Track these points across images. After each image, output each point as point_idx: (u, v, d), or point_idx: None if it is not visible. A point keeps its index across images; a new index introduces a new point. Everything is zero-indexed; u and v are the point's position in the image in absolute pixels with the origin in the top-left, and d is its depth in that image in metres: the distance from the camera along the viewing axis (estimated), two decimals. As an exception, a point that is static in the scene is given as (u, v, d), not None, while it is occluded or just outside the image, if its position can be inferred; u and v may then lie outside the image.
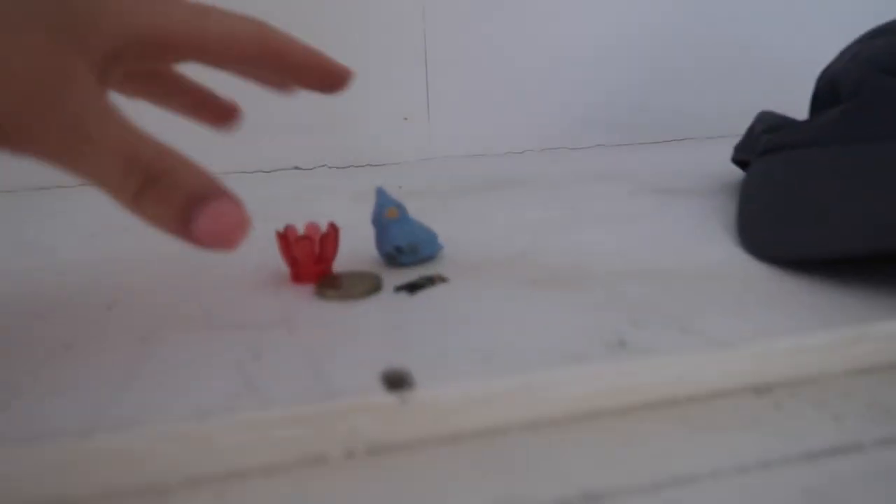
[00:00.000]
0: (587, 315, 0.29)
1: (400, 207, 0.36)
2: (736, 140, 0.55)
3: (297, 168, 0.69)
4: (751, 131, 0.50)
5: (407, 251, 0.35)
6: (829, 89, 0.44)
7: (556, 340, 0.27)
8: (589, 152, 0.74)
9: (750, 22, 0.78)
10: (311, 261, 0.35)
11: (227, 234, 0.23)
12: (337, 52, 0.32)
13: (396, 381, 0.24)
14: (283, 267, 0.36)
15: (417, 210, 0.37)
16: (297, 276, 0.35)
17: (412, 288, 0.33)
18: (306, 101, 0.68)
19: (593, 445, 0.23)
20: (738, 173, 0.56)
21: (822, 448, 0.23)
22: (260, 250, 0.39)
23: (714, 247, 0.38)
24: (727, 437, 0.24)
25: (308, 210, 0.51)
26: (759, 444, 0.23)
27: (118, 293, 0.34)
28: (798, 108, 0.55)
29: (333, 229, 0.35)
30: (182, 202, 0.22)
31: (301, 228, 0.36)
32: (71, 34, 0.22)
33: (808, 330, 0.27)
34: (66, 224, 0.49)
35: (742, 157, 0.50)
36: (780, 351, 0.26)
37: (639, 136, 0.78)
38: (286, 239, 0.35)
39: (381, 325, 0.29)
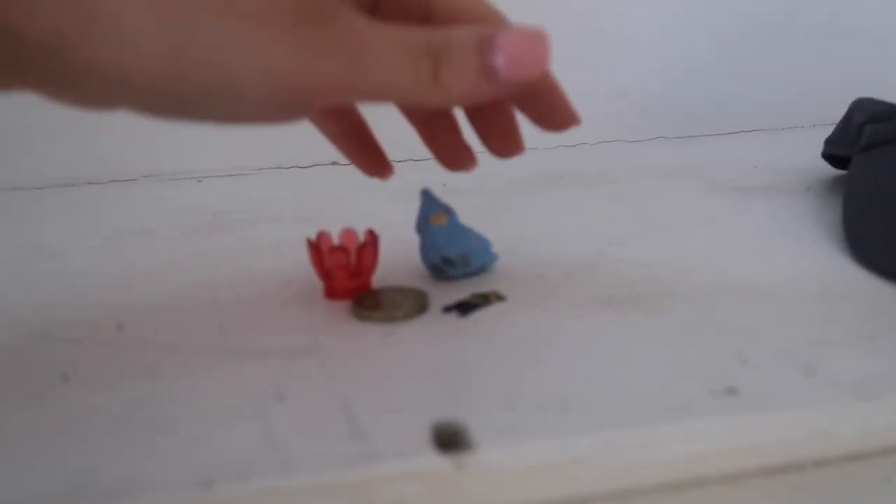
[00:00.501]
0: (683, 348, 0.24)
1: (448, 212, 0.31)
2: (821, 131, 0.48)
3: (335, 163, 0.65)
4: (847, 122, 0.44)
5: (457, 263, 0.30)
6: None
7: (649, 384, 0.22)
8: (649, 145, 0.68)
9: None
10: (346, 275, 0.30)
11: (532, 55, 0.21)
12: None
13: (450, 440, 0.19)
14: (316, 279, 0.32)
15: (464, 210, 0.32)
16: (332, 291, 0.30)
17: (464, 308, 0.28)
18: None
19: (699, 523, 0.18)
20: (826, 169, 0.50)
21: None
22: (292, 260, 0.34)
23: (820, 258, 0.33)
24: (873, 516, 0.18)
25: (346, 211, 0.47)
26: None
27: (130, 310, 0.30)
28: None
29: (372, 238, 0.31)
30: (476, 57, 0.21)
31: (335, 235, 0.32)
32: None
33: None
34: (77, 226, 0.45)
35: (837, 151, 0.44)
36: (938, 404, 0.21)
37: (705, 128, 0.72)
38: (318, 249, 0.30)
39: (428, 358, 0.24)
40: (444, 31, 0.21)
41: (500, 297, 0.29)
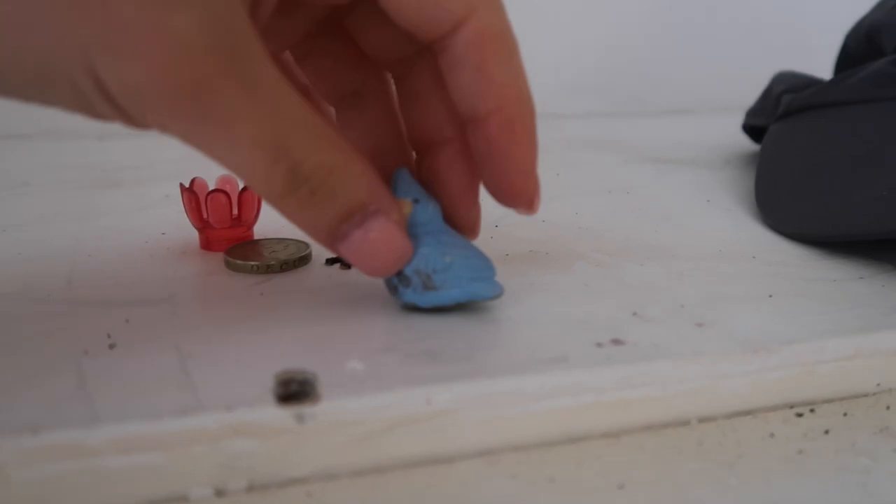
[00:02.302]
0: (573, 304, 0.22)
1: (420, 203, 0.20)
2: (743, 113, 0.48)
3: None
4: (767, 93, 0.43)
5: (412, 281, 0.20)
6: (866, 43, 0.37)
7: (529, 337, 0.20)
8: (577, 120, 0.67)
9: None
10: (226, 222, 0.27)
11: (379, 261, 0.19)
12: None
13: (294, 391, 0.16)
14: (194, 231, 0.29)
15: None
16: (208, 241, 0.27)
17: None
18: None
19: (574, 483, 0.17)
20: (747, 145, 0.49)
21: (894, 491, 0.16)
22: (175, 213, 0.31)
23: (728, 221, 0.32)
24: (760, 475, 0.17)
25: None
26: (803, 485, 0.17)
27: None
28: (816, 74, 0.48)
29: (255, 184, 0.28)
30: (335, 217, 0.18)
31: (211, 183, 0.29)
32: None
33: (867, 330, 0.20)
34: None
35: (756, 122, 0.43)
36: (830, 357, 0.19)
37: (632, 106, 0.71)
38: (194, 195, 0.27)
39: (295, 309, 0.21)
40: (334, 160, 0.17)
41: (390, 252, 0.27)
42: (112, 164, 0.43)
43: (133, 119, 0.16)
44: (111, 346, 0.19)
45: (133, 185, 0.38)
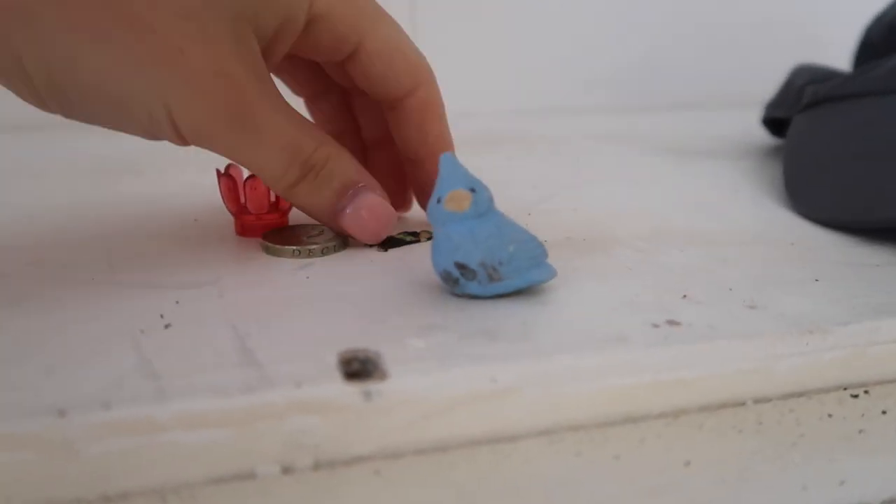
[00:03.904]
0: (621, 286, 0.22)
1: (477, 192, 0.20)
2: (759, 108, 0.48)
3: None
4: (788, 86, 0.44)
5: (477, 274, 0.20)
6: (889, 34, 0.38)
7: (581, 317, 0.20)
8: (589, 114, 0.67)
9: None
10: (264, 207, 0.27)
11: (373, 227, 0.24)
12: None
13: (360, 369, 0.16)
14: (226, 217, 0.28)
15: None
16: (244, 226, 0.27)
17: (387, 244, 0.26)
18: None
19: (639, 460, 0.17)
20: (763, 137, 0.49)
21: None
22: (203, 200, 0.31)
23: (758, 209, 0.32)
24: (824, 453, 0.17)
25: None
26: (868, 463, 0.17)
27: (13, 244, 0.26)
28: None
29: (290, 170, 0.28)
30: (334, 194, 0.23)
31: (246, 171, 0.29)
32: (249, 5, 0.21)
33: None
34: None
35: (777, 114, 0.43)
36: (885, 338, 0.19)
37: (645, 100, 0.71)
38: (232, 180, 0.27)
39: (342, 291, 0.21)
40: (328, 146, 0.23)
41: (430, 235, 0.27)
42: (128, 154, 0.43)
43: (186, 140, 0.21)
44: (166, 326, 0.18)
45: (154, 174, 0.38)
